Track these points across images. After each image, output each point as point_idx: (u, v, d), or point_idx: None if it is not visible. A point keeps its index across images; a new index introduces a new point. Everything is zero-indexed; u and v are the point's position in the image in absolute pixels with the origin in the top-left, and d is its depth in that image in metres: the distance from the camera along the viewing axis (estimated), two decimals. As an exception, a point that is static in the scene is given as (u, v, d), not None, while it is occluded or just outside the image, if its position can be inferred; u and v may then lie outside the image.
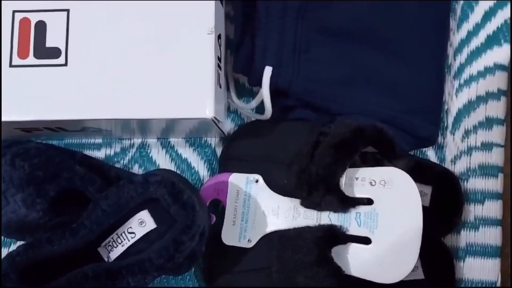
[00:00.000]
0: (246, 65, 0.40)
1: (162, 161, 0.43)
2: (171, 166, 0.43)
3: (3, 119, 0.35)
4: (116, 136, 0.43)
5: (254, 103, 0.41)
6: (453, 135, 0.41)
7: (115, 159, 0.43)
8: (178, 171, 0.44)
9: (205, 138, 0.43)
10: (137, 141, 0.44)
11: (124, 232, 0.35)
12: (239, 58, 0.40)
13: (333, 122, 0.38)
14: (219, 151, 0.43)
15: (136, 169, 0.44)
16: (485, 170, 0.39)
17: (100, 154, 0.44)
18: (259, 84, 0.39)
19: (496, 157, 0.39)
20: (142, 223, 0.34)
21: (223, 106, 0.39)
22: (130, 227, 0.34)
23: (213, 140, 0.44)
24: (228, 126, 0.44)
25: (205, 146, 0.44)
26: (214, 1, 0.35)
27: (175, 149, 0.44)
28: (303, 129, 0.39)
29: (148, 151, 0.44)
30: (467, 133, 0.41)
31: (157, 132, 0.41)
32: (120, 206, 0.32)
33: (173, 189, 0.32)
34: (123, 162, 0.44)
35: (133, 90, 0.35)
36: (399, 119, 0.39)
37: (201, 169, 0.43)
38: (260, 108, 0.41)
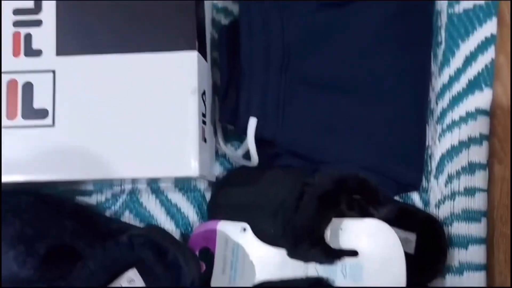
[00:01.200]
0: (232, 116, 0.40)
1: (153, 206, 0.44)
2: (161, 212, 0.44)
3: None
4: (107, 183, 0.43)
5: (240, 151, 0.42)
6: (437, 179, 0.42)
7: (106, 205, 0.44)
8: (168, 217, 0.44)
9: (194, 183, 0.44)
10: (128, 187, 0.44)
11: (114, 290, 0.35)
12: (224, 109, 0.41)
13: (317, 172, 0.38)
14: (208, 195, 0.44)
15: (127, 215, 0.44)
16: (469, 215, 0.40)
17: (91, 200, 0.44)
18: (244, 133, 0.40)
19: (479, 202, 0.40)
20: (131, 282, 0.34)
21: (209, 158, 0.40)
22: (120, 285, 0.35)
23: (202, 185, 0.44)
24: (217, 170, 0.44)
25: (194, 191, 0.44)
26: (196, 61, 0.36)
27: (165, 194, 0.44)
28: (289, 178, 0.40)
29: (139, 196, 0.44)
30: (450, 178, 0.41)
31: (146, 180, 0.42)
32: (107, 267, 0.33)
33: (157, 250, 0.32)
34: (114, 208, 0.44)
35: (119, 149, 0.35)
36: (383, 167, 0.39)
37: (191, 213, 0.44)
38: (248, 154, 0.41)
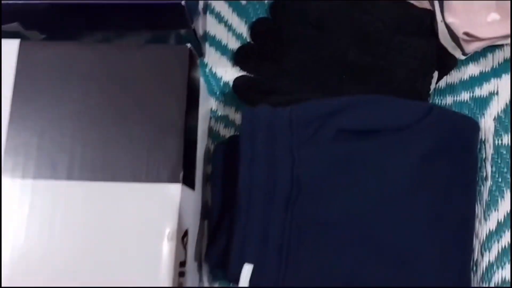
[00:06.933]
0: (221, 258, 0.32)
1: None
2: None
3: None
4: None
5: (229, 301, 0.33)
6: None
7: None
8: None
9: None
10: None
11: None
12: (213, 251, 0.32)
13: None
14: None
15: None
16: None
17: None
18: (236, 282, 0.31)
19: None
20: None
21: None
22: None
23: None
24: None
25: None
26: (179, 197, 0.28)
27: None
28: None
29: None
30: None
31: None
32: None
33: None
34: None
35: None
36: None
37: None
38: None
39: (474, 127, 0.33)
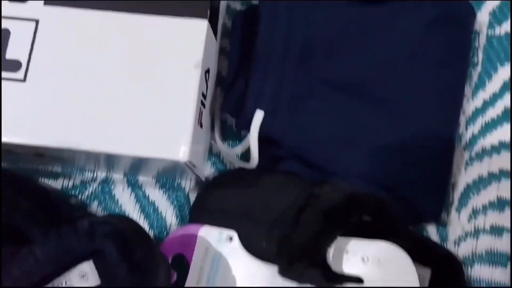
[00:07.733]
0: (236, 106, 0.35)
1: (126, 200, 0.38)
2: (134, 208, 0.38)
3: None
4: (78, 165, 0.37)
5: (239, 148, 0.36)
6: (459, 213, 0.36)
7: (73, 193, 0.38)
8: (142, 215, 0.38)
9: (179, 180, 0.38)
10: (101, 174, 0.38)
11: (60, 284, 0.28)
12: (229, 97, 0.35)
13: (326, 184, 0.33)
14: (193, 197, 0.38)
15: (95, 207, 0.38)
16: (493, 258, 0.34)
17: (56, 184, 0.38)
18: (247, 128, 0.35)
19: (506, 243, 0.34)
20: (83, 277, 0.28)
21: (203, 148, 0.34)
22: (70, 279, 0.28)
23: (187, 184, 0.38)
24: (208, 170, 0.39)
25: (177, 189, 0.38)
26: (205, 32, 0.31)
27: (143, 189, 0.38)
28: (292, 187, 0.34)
29: (112, 187, 0.38)
30: (475, 212, 0.36)
31: (124, 167, 0.36)
32: (57, 257, 0.26)
33: (124, 245, 0.26)
34: (82, 197, 0.38)
35: (98, 119, 0.30)
36: (399, 189, 0.34)
37: (170, 215, 0.38)
38: (246, 155, 0.36)
39: (470, 10, 0.37)
